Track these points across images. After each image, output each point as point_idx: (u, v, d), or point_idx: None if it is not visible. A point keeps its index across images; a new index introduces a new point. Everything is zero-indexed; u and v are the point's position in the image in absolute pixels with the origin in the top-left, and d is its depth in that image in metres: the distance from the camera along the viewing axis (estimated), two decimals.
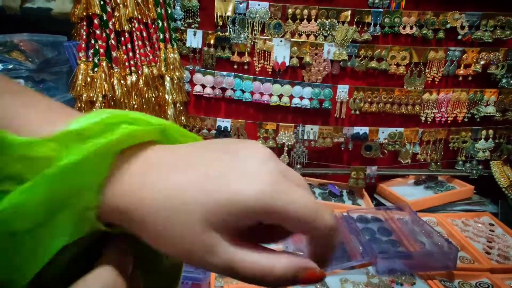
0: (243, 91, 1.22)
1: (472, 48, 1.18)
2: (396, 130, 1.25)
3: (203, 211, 0.19)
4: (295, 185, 0.20)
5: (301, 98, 1.23)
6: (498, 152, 1.25)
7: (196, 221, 0.19)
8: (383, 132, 1.25)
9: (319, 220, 0.20)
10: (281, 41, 1.18)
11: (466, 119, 1.24)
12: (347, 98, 1.23)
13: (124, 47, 0.98)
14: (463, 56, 1.18)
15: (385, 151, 1.27)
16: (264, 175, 0.19)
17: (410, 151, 1.27)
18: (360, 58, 1.19)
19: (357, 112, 1.24)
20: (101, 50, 0.94)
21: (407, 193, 1.24)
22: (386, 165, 1.30)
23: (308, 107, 1.22)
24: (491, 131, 1.23)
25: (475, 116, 1.22)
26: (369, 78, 1.22)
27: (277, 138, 1.25)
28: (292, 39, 1.18)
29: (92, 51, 0.95)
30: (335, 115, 1.25)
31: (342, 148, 1.28)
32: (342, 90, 1.22)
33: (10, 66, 0.88)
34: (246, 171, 0.20)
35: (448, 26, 1.16)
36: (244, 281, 0.20)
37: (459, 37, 1.18)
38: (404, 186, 1.31)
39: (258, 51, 1.19)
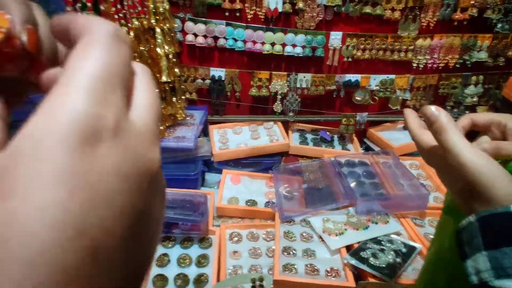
0: (236, 40, 1.22)
1: None
2: (388, 77, 1.27)
3: None
4: None
5: (294, 45, 1.22)
6: (486, 97, 1.28)
7: None
8: (374, 79, 1.27)
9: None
10: None
11: (457, 65, 1.25)
12: (340, 45, 1.22)
13: None
14: None
15: (376, 97, 1.31)
16: None
17: (400, 97, 1.30)
18: (355, 3, 1.16)
19: (350, 59, 1.24)
20: (89, 4, 0.93)
21: (395, 138, 1.30)
22: (376, 112, 1.35)
23: (301, 55, 1.22)
24: (481, 77, 1.25)
25: (467, 62, 1.23)
26: (363, 24, 1.20)
27: (270, 86, 1.28)
28: None
29: (79, 4, 0.94)
30: (327, 63, 1.26)
31: (334, 96, 1.31)
32: (335, 37, 1.21)
33: None
34: None
35: None
36: None
37: None
38: (393, 131, 1.37)
39: None
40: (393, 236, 0.89)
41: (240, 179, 1.17)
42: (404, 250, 0.83)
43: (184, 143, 1.12)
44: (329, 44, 1.22)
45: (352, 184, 1.08)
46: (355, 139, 1.34)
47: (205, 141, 1.25)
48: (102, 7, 0.95)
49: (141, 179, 0.15)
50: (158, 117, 0.18)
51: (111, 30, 0.16)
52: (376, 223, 0.93)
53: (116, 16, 0.98)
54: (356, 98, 1.31)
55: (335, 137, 1.37)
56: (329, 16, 1.19)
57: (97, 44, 0.16)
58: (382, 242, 0.85)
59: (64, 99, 0.14)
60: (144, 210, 0.15)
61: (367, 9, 1.16)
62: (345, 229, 0.90)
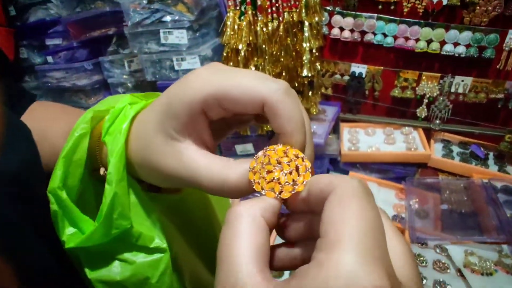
0: (385, 35, 1.12)
1: None
2: None
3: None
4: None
5: (456, 44, 1.06)
6: None
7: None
8: None
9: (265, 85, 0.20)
10: None
11: None
12: None
13: None
14: None
15: None
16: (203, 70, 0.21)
17: None
18: None
19: None
20: None
21: None
22: None
23: (463, 55, 1.05)
24: None
25: None
26: None
27: (417, 88, 1.15)
28: None
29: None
30: (497, 66, 1.05)
31: (499, 106, 1.09)
32: None
33: (176, 17, 1.02)
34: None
35: None
36: (208, 192, 0.21)
37: None
38: None
39: None
40: None
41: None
42: None
43: (314, 139, 1.12)
44: (504, 45, 1.01)
45: (510, 216, 0.89)
46: None
47: (334, 139, 1.21)
48: (259, 2, 0.99)
49: None
50: (416, 265, 0.17)
51: (356, 184, 0.16)
52: None
53: (269, 10, 1.02)
54: None
55: (491, 154, 1.15)
56: (510, 11, 0.98)
57: (351, 199, 0.16)
58: None
59: (337, 259, 0.14)
60: None
61: None
62: (495, 270, 0.76)
